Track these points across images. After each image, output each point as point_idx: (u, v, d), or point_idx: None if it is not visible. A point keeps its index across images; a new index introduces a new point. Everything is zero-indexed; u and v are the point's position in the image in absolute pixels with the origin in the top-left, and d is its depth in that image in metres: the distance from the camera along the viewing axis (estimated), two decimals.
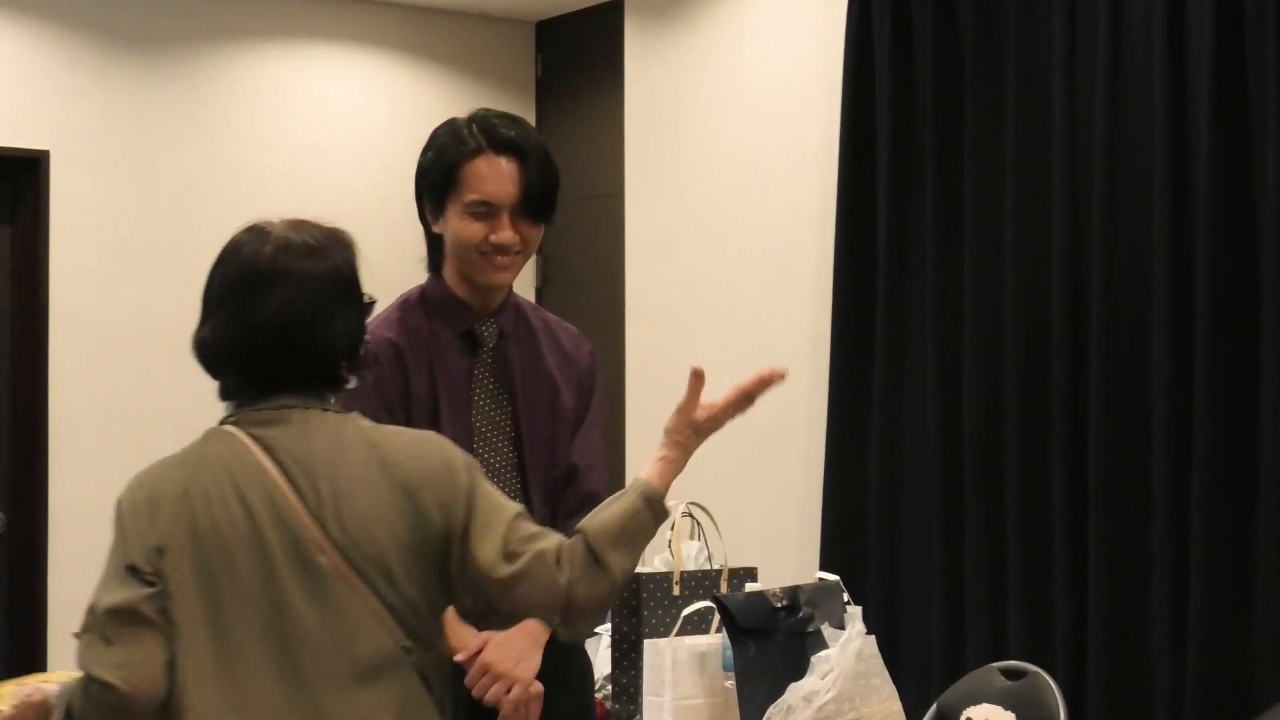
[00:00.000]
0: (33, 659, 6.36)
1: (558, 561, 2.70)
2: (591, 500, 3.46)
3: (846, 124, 5.65)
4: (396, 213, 7.16)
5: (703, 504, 4.52)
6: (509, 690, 3.33)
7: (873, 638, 3.76)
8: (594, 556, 2.73)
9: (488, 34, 7.46)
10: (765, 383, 3.14)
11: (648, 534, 2.89)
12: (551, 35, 7.49)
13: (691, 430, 3.07)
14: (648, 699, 4.03)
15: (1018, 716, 3.88)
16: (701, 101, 6.39)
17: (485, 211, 3.34)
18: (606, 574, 2.75)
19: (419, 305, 3.46)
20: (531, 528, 2.73)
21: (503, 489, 3.33)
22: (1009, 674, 4.59)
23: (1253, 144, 4.60)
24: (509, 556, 2.67)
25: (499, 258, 3.37)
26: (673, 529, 4.33)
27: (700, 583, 4.34)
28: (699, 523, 4.58)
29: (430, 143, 3.48)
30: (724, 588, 4.36)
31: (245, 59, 6.89)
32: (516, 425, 3.45)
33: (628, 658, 4.15)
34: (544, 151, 3.41)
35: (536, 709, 3.38)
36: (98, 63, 6.56)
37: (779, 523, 5.91)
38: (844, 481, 5.61)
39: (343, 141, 7.10)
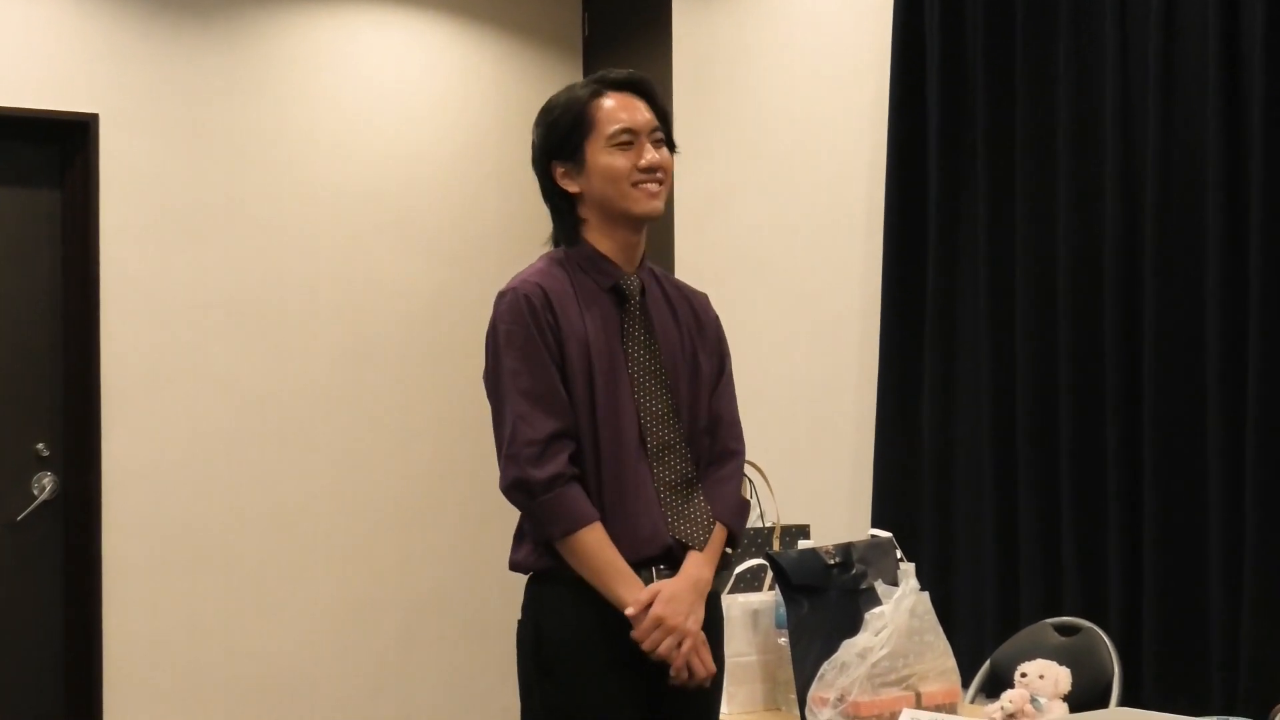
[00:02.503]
0: (87, 623, 6.40)
1: None
2: (730, 457, 3.53)
3: (896, 79, 5.62)
4: (444, 174, 7.21)
5: (755, 462, 4.52)
6: (680, 644, 3.34)
7: (926, 594, 3.76)
8: None
9: None
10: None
11: None
12: None
13: None
14: None
15: (1072, 672, 3.87)
16: (749, 59, 6.36)
17: (628, 140, 3.44)
18: None
19: (563, 262, 3.50)
20: None
21: (662, 434, 3.40)
22: (1063, 630, 4.58)
23: None
24: None
25: (650, 185, 3.46)
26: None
27: (753, 540, 4.35)
28: (751, 481, 4.58)
29: (545, 112, 3.53)
30: (776, 545, 4.37)
31: (294, 21, 6.89)
32: (666, 376, 3.48)
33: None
34: (654, 85, 3.57)
35: (707, 658, 3.41)
36: (146, 26, 6.56)
37: (831, 480, 5.90)
38: (896, 437, 5.59)
39: (391, 103, 7.09)
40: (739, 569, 4.15)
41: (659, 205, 3.50)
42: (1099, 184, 4.98)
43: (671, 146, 3.53)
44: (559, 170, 3.48)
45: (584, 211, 3.50)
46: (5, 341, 6.39)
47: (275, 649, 6.77)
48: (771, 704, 3.99)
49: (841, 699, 3.64)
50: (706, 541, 3.46)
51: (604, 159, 3.44)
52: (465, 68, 7.28)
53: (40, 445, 6.43)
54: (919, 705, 3.67)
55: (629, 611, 3.32)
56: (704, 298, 3.72)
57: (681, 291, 3.66)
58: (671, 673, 3.36)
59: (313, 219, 6.89)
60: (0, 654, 6.35)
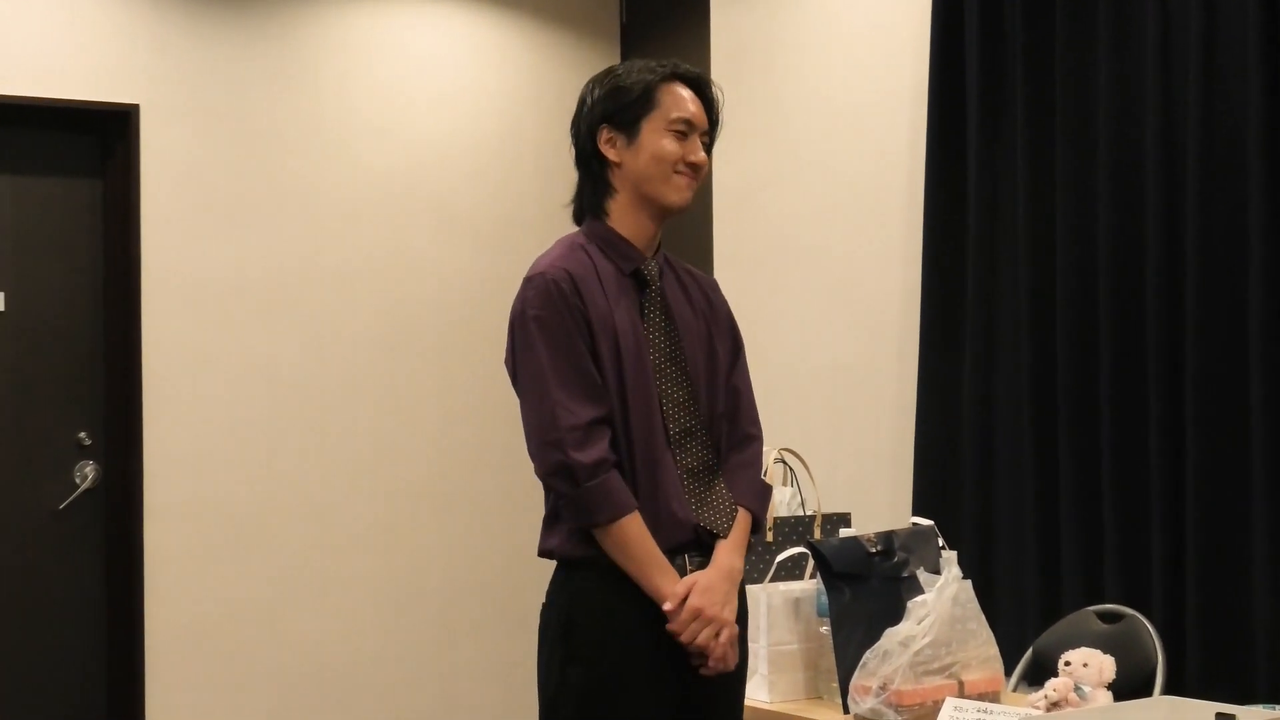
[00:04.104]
0: (129, 610, 6.43)
1: None
2: (749, 441, 3.55)
3: (935, 64, 5.60)
4: (481, 161, 7.22)
5: (795, 450, 4.51)
6: (718, 634, 3.35)
7: (969, 582, 3.76)
8: None
9: None
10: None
11: None
12: None
13: None
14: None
15: (1115, 660, 3.86)
16: (788, 45, 6.34)
17: (684, 131, 3.49)
18: None
19: (584, 246, 3.50)
20: None
21: (683, 420, 3.41)
22: (1106, 618, 4.56)
23: None
24: None
25: (688, 178, 3.50)
26: (765, 475, 4.32)
27: (794, 529, 4.34)
28: (792, 469, 4.58)
29: (609, 77, 3.56)
30: (818, 533, 4.36)
31: (332, 11, 6.90)
32: (686, 362, 3.50)
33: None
34: (716, 92, 3.62)
35: (737, 650, 3.44)
36: (187, 16, 6.58)
37: (871, 468, 5.89)
38: (936, 425, 5.57)
39: (429, 91, 7.10)
40: (780, 557, 4.15)
41: (688, 200, 3.52)
42: (1140, 166, 4.96)
43: (706, 154, 3.58)
44: (606, 134, 3.48)
45: (616, 182, 3.50)
46: (47, 331, 6.42)
47: (316, 635, 6.79)
48: (813, 692, 3.98)
49: (884, 687, 3.63)
50: (731, 528, 3.46)
51: (659, 139, 3.45)
52: (503, 55, 7.28)
53: (82, 434, 6.46)
54: (961, 694, 3.66)
55: (667, 607, 3.33)
56: (713, 282, 3.73)
57: (693, 276, 3.67)
58: (710, 662, 3.37)
59: (352, 206, 6.91)
60: (43, 642, 6.39)
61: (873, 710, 3.65)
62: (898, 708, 3.61)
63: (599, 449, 3.33)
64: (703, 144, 3.52)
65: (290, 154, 6.80)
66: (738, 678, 3.53)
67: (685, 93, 3.51)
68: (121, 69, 6.46)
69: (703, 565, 3.42)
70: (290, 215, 6.79)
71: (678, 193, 3.48)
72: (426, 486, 7.06)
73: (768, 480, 4.32)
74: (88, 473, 6.46)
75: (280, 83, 6.78)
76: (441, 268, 7.10)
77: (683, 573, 3.39)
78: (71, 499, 6.42)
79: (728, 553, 3.44)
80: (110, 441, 6.50)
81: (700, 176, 3.52)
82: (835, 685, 3.81)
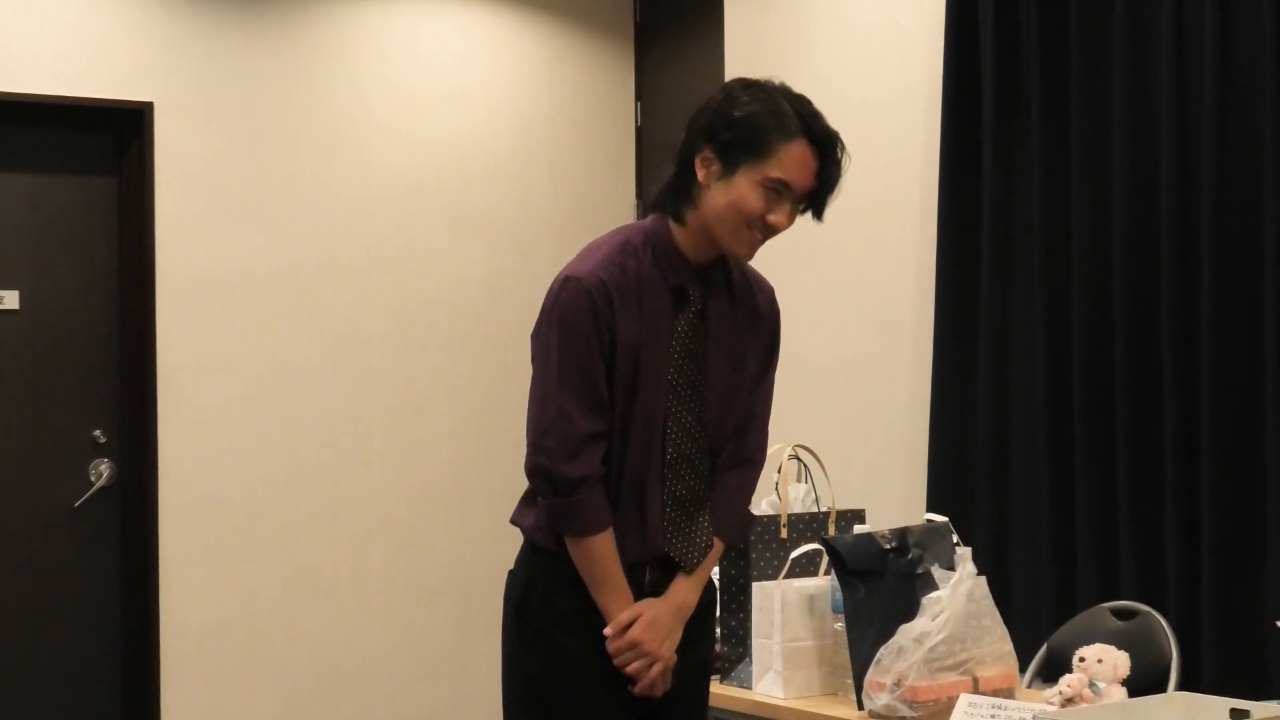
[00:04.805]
0: (144, 608, 6.45)
1: None
2: (747, 466, 3.53)
3: (950, 63, 5.59)
4: (496, 159, 7.22)
5: (809, 446, 4.51)
6: (650, 666, 3.38)
7: (983, 579, 3.76)
8: None
9: None
10: None
11: None
12: None
13: None
14: (757, 641, 4.04)
15: (1130, 656, 3.85)
16: (802, 44, 6.34)
17: (779, 190, 3.35)
18: None
19: (638, 249, 3.41)
20: None
21: (684, 446, 3.39)
22: (1120, 614, 4.56)
23: None
24: None
25: (758, 236, 3.40)
26: (779, 472, 4.32)
27: (808, 525, 4.34)
28: (805, 465, 4.57)
29: (738, 101, 3.41)
30: (832, 530, 4.35)
31: (347, 9, 6.91)
32: (705, 385, 3.45)
33: (736, 600, 4.16)
34: (841, 154, 3.46)
35: (668, 681, 3.44)
36: (201, 14, 6.59)
37: (886, 464, 5.89)
38: (950, 421, 5.57)
39: (443, 89, 7.11)
40: (795, 554, 4.14)
41: (751, 255, 3.45)
42: (1155, 166, 4.95)
43: (818, 215, 3.47)
44: (705, 153, 3.36)
45: (697, 199, 3.38)
46: (62, 329, 6.43)
47: (330, 632, 6.80)
48: (828, 689, 3.98)
49: (898, 684, 3.63)
50: (699, 564, 3.45)
51: (747, 190, 3.33)
52: (517, 54, 7.28)
53: (97, 432, 6.48)
54: (976, 690, 3.66)
55: (607, 631, 3.36)
56: (770, 290, 3.64)
57: (749, 281, 3.58)
58: (635, 689, 3.39)
59: (366, 205, 6.91)
60: (58, 639, 6.40)
61: (887, 706, 3.65)
62: (912, 704, 3.61)
63: (587, 464, 3.33)
64: (796, 205, 3.39)
65: (304, 152, 6.80)
66: (702, 678, 3.59)
67: (804, 155, 3.37)
68: (136, 67, 6.47)
69: (660, 581, 3.42)
70: (304, 214, 6.80)
71: (743, 247, 3.40)
72: (439, 484, 7.06)
73: (782, 477, 4.32)
74: (102, 470, 6.47)
75: (294, 81, 6.79)
76: (455, 266, 7.10)
77: (639, 587, 3.40)
78: (86, 497, 6.43)
79: (684, 589, 3.44)
80: (125, 439, 6.51)
81: (774, 235, 3.42)
82: (850, 682, 3.82)
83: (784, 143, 3.35)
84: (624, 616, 3.36)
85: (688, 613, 3.45)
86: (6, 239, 6.34)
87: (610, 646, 3.37)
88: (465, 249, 7.13)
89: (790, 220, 3.40)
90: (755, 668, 4.04)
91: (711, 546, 3.47)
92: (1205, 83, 4.77)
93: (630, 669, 3.37)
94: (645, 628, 3.37)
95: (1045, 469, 5.24)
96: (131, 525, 6.49)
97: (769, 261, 6.52)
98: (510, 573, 3.56)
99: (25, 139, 6.39)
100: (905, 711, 3.62)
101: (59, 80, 6.32)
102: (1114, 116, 5.07)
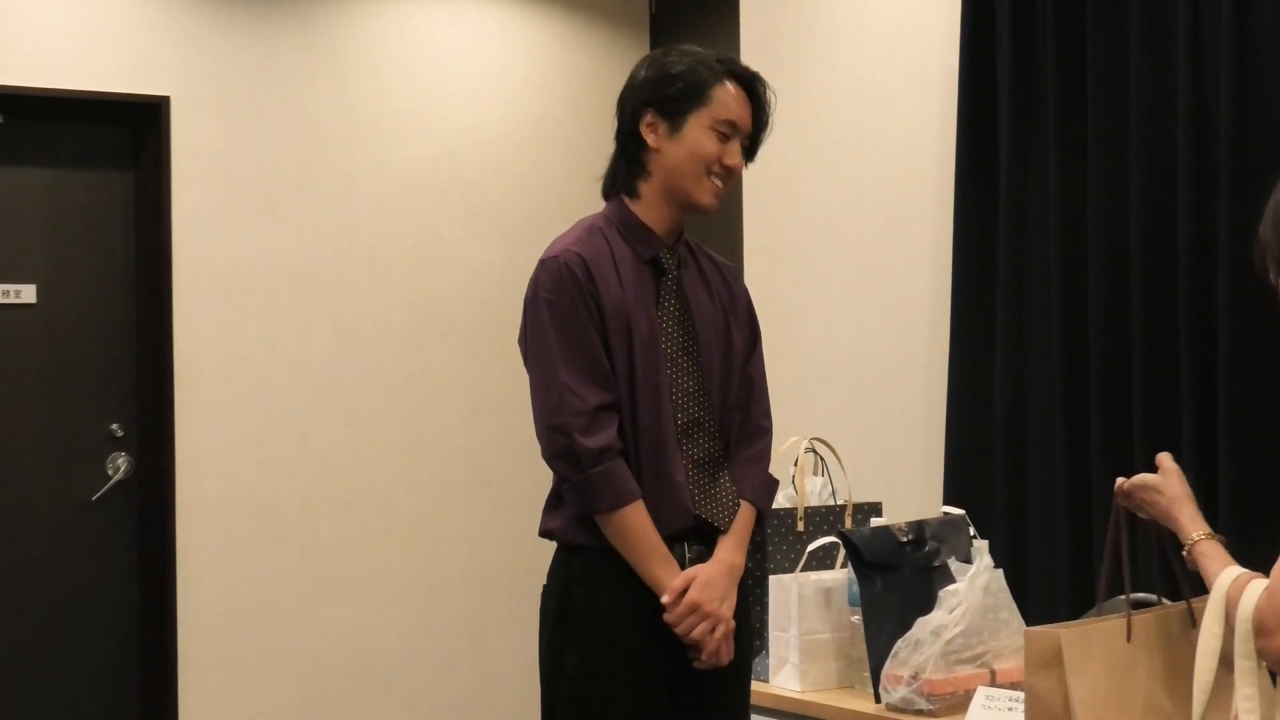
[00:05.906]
0: (162, 603, 6.46)
1: None
2: (759, 434, 3.56)
3: (966, 54, 5.58)
4: (511, 152, 7.22)
5: (826, 439, 4.51)
6: (713, 629, 3.36)
7: (1000, 571, 3.76)
8: None
9: None
10: None
11: None
12: None
13: None
14: (774, 634, 4.05)
15: None
16: (817, 34, 6.34)
17: (727, 133, 3.49)
18: None
19: (604, 230, 3.50)
20: None
21: (692, 411, 3.42)
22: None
23: None
24: None
25: (718, 182, 3.51)
26: (796, 466, 4.32)
27: (825, 518, 4.34)
28: (822, 459, 4.58)
29: (663, 62, 3.55)
30: (848, 523, 4.36)
31: (362, 2, 6.91)
32: (699, 352, 3.49)
33: (753, 593, 4.16)
34: (766, 93, 3.62)
35: (732, 648, 3.44)
36: (217, 8, 6.60)
37: (902, 457, 5.88)
38: (967, 414, 5.56)
39: (459, 83, 7.11)
40: (811, 547, 4.15)
41: (715, 204, 3.53)
42: (1172, 160, 4.94)
43: (750, 157, 3.59)
44: (648, 117, 3.49)
45: (650, 167, 3.50)
46: (79, 323, 6.44)
47: (347, 625, 6.81)
48: (845, 682, 3.99)
49: (915, 677, 3.63)
50: (731, 522, 3.46)
51: (699, 136, 3.46)
52: (532, 46, 7.29)
53: (115, 426, 6.49)
54: (993, 683, 3.66)
55: (665, 599, 3.35)
56: (735, 269, 3.73)
57: (714, 263, 3.67)
58: (704, 656, 3.39)
59: (382, 197, 6.92)
60: (76, 633, 6.42)
61: (904, 699, 3.65)
62: (929, 697, 3.62)
63: (605, 435, 3.34)
64: (744, 147, 3.53)
65: (320, 145, 6.81)
66: (740, 672, 3.56)
67: (739, 95, 3.51)
68: (152, 61, 6.48)
69: (703, 554, 3.43)
70: (321, 207, 6.80)
71: (707, 195, 3.50)
72: (457, 477, 7.07)
73: (799, 470, 4.32)
74: (120, 464, 6.48)
75: (310, 74, 6.80)
76: (472, 258, 7.11)
77: (681, 562, 3.41)
78: (104, 490, 6.45)
79: (729, 549, 3.45)
80: (142, 433, 6.52)
81: (733, 180, 3.53)
82: (867, 674, 3.82)
83: (719, 85, 3.49)
84: (677, 583, 3.36)
85: (738, 574, 3.46)
86: (24, 233, 6.35)
87: (670, 615, 3.35)
88: (481, 240, 7.13)
89: (741, 161, 3.55)
90: (772, 661, 4.04)
91: (739, 506, 3.49)
92: (1223, 73, 4.76)
93: (694, 635, 3.36)
94: (702, 589, 3.36)
95: (1062, 461, 5.23)
96: (149, 518, 6.50)
97: (783, 253, 6.55)
98: (545, 587, 3.53)
99: (42, 133, 6.40)
100: (922, 704, 3.62)
101: (76, 74, 6.33)
102: (1131, 108, 5.05)
